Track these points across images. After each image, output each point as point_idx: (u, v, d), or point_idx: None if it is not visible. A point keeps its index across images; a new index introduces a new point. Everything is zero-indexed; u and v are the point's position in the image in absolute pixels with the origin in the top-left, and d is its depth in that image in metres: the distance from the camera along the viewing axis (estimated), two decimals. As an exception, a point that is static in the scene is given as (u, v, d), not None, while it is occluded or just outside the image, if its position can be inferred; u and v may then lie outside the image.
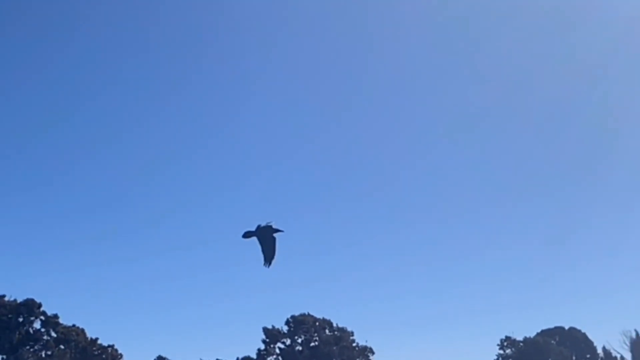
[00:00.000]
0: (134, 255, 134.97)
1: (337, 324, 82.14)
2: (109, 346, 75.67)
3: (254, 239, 18.76)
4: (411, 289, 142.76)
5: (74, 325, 75.55)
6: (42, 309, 74.39)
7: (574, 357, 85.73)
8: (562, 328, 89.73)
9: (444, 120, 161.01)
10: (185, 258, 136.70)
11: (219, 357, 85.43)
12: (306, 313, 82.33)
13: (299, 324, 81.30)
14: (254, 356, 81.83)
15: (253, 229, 18.73)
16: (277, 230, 18.66)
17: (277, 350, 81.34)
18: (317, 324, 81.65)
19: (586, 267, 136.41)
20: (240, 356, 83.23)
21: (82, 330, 75.54)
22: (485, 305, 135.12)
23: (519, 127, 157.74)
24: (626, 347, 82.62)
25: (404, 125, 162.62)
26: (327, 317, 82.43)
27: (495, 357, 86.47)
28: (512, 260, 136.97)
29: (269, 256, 18.65)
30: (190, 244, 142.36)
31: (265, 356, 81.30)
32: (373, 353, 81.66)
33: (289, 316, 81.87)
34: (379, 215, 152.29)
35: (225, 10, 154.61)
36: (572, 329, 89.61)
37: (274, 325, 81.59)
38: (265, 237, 18.65)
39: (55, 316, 74.76)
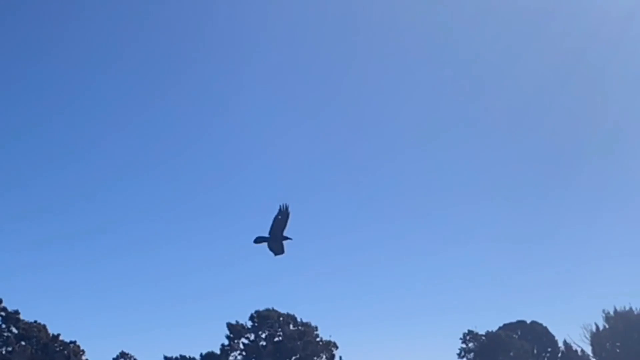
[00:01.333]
0: (96, 252, 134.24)
1: (301, 319, 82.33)
2: (70, 342, 75.11)
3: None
4: (375, 284, 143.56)
5: (35, 322, 74.93)
6: (2, 304, 73.74)
7: (535, 351, 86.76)
8: (524, 322, 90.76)
9: (404, 117, 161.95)
10: (148, 254, 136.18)
11: (183, 353, 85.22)
12: (270, 308, 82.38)
13: (263, 319, 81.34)
14: (218, 352, 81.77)
15: (265, 234, 21.56)
16: (286, 238, 21.67)
17: (241, 346, 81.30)
18: (281, 319, 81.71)
19: (549, 262, 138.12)
20: (204, 352, 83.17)
21: (44, 326, 74.92)
22: (449, 301, 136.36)
23: (483, 127, 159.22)
24: (586, 340, 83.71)
25: (369, 123, 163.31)
26: (291, 312, 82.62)
27: (458, 351, 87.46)
28: (476, 256, 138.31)
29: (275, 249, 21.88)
30: (154, 239, 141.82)
31: (229, 352, 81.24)
32: (337, 348, 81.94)
33: (253, 311, 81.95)
34: (342, 211, 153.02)
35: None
36: (533, 322, 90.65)
37: (238, 320, 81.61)
38: (276, 240, 21.70)
39: (16, 312, 74.05)
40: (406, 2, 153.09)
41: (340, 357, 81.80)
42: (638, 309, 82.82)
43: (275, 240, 21.48)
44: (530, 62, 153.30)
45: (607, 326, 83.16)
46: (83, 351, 75.27)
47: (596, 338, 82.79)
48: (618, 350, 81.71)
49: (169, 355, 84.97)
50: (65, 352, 73.58)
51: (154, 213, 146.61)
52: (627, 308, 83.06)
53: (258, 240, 21.69)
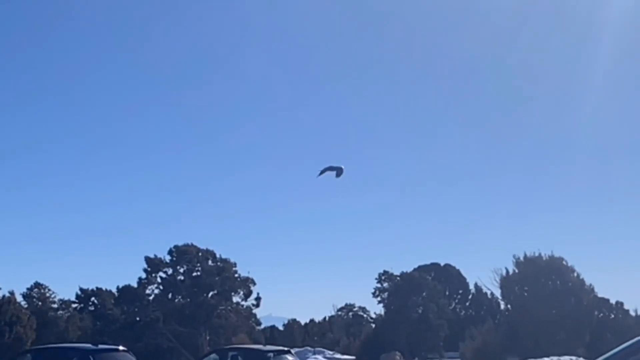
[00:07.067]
0: (11, 178, 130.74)
1: (220, 255, 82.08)
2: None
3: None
4: (295, 222, 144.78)
5: (-54, 250, 73.23)
6: None
7: (447, 292, 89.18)
8: (437, 264, 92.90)
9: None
10: (65, 182, 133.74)
11: (99, 286, 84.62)
12: (189, 243, 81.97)
13: (182, 254, 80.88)
14: (135, 285, 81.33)
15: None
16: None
17: (159, 280, 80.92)
18: (200, 254, 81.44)
19: (464, 208, 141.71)
20: (121, 285, 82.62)
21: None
22: (367, 243, 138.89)
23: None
24: (496, 284, 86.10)
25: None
26: (210, 248, 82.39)
27: (373, 290, 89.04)
28: (394, 200, 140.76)
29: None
30: (72, 167, 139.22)
31: (146, 285, 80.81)
32: (254, 284, 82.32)
33: (172, 246, 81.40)
34: (262, 151, 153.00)
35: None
36: (447, 265, 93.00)
37: (157, 254, 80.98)
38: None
39: None
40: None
41: (258, 294, 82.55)
42: (546, 255, 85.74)
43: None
44: (473, 24, 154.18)
45: (516, 271, 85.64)
46: (-4, 281, 73.94)
47: (505, 282, 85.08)
48: (526, 294, 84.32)
49: (84, 287, 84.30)
50: (-22, 281, 72.14)
51: (78, 138, 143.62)
52: (537, 254, 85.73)
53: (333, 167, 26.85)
